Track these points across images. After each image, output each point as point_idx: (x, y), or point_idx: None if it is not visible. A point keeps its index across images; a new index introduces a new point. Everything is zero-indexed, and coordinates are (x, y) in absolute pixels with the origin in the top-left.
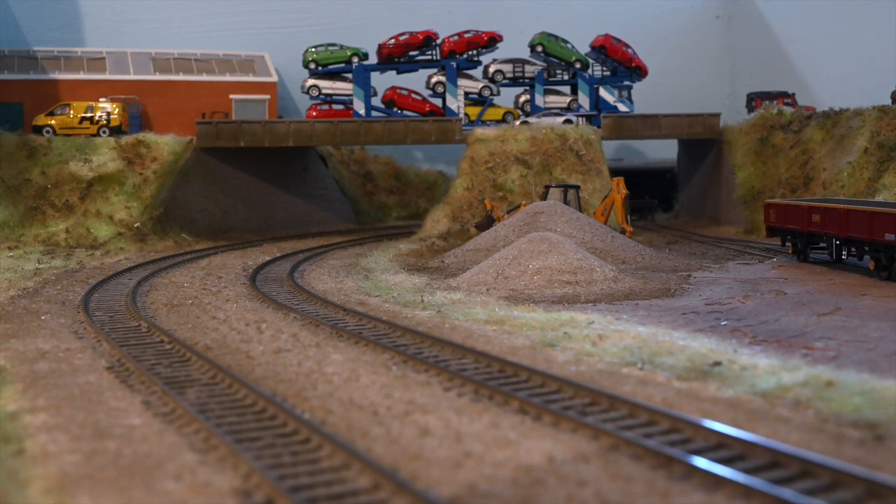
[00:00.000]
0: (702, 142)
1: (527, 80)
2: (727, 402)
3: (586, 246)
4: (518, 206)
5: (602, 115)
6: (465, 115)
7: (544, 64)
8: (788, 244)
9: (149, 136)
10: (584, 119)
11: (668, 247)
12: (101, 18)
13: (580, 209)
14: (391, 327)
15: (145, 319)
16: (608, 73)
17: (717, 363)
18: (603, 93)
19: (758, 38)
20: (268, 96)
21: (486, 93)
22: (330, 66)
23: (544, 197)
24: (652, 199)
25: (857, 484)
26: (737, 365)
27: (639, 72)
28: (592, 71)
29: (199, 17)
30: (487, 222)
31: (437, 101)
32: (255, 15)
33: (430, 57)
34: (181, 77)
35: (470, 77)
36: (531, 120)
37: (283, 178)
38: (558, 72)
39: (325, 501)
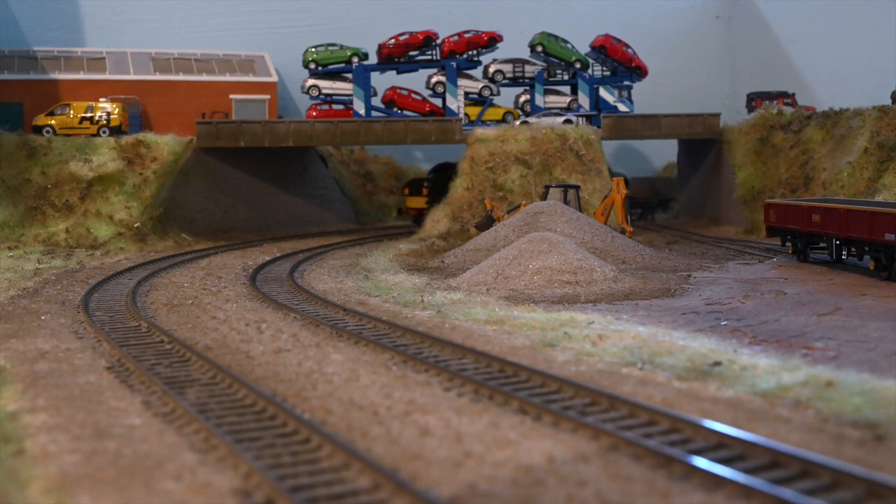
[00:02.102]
0: (702, 142)
1: (527, 80)
2: (727, 402)
3: (586, 246)
4: (518, 206)
5: (602, 115)
6: (465, 115)
7: (544, 64)
8: (788, 244)
9: (149, 136)
10: (584, 119)
11: (668, 247)
12: (101, 18)
13: (580, 209)
14: (391, 327)
15: (145, 319)
16: (608, 73)
17: (717, 363)
18: (603, 93)
19: (758, 38)
20: (268, 96)
21: (486, 93)
22: (330, 66)
23: (544, 197)
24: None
25: (857, 484)
26: (737, 365)
27: (639, 72)
28: (592, 71)
29: (199, 17)
30: (487, 222)
31: (437, 101)
32: (255, 15)
33: (430, 57)
34: (181, 77)
35: (470, 77)
36: (531, 120)
37: (283, 178)
38: (558, 72)
39: (325, 501)
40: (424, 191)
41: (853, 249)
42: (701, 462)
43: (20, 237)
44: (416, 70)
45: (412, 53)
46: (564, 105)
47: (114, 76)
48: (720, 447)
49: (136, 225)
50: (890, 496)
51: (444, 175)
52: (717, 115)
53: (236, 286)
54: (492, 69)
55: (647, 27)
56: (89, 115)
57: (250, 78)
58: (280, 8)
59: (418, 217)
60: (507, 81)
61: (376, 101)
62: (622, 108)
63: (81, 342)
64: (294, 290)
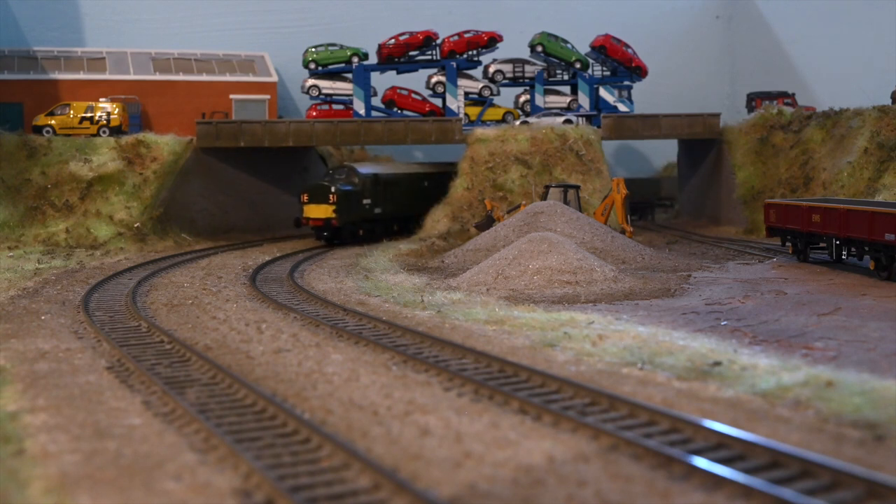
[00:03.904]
0: (702, 142)
1: (527, 80)
2: (727, 402)
3: (586, 246)
4: (518, 206)
5: (602, 115)
6: (465, 115)
7: (544, 64)
8: (788, 244)
9: (149, 136)
10: (584, 119)
11: (668, 247)
12: (101, 18)
13: (580, 209)
14: (391, 327)
15: (145, 319)
16: (608, 73)
17: (717, 363)
18: (603, 93)
19: (758, 38)
20: (268, 96)
21: (486, 93)
22: (330, 66)
23: (544, 197)
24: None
25: (857, 484)
26: (737, 365)
27: (639, 72)
28: (592, 71)
29: (199, 17)
30: (487, 222)
31: (437, 101)
32: (255, 15)
33: (430, 57)
34: (181, 77)
35: (470, 77)
36: (531, 120)
37: (283, 178)
38: (558, 72)
39: (325, 501)
40: (332, 197)
41: (853, 249)
42: (701, 462)
43: (20, 237)
44: (416, 70)
45: (412, 53)
46: (564, 105)
47: (114, 76)
48: (720, 447)
49: (136, 225)
50: (890, 496)
51: (350, 184)
52: (717, 115)
53: (236, 286)
54: (492, 69)
55: (647, 27)
56: (89, 115)
57: (250, 78)
58: (280, 8)
59: (322, 230)
60: (507, 81)
61: (376, 101)
62: (622, 108)
63: (81, 342)
64: (294, 290)
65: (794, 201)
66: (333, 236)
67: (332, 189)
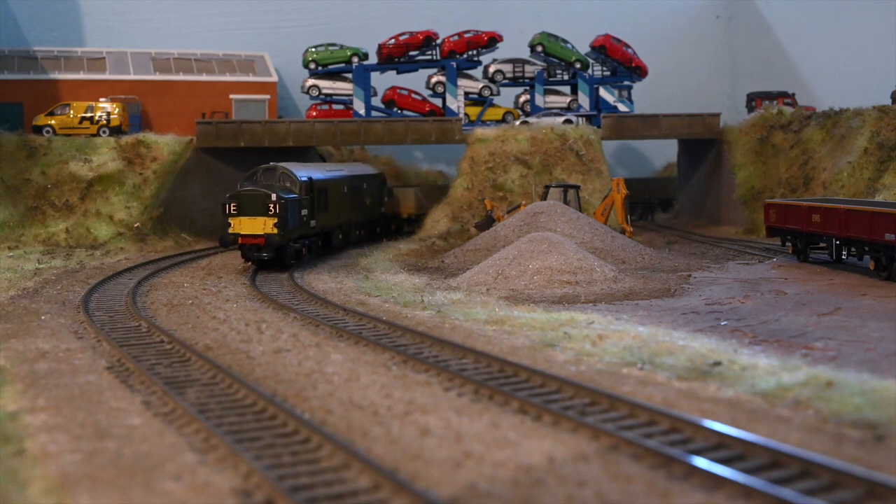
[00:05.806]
0: (702, 142)
1: (527, 80)
2: (727, 402)
3: (586, 246)
4: (518, 206)
5: (602, 115)
6: (465, 115)
7: (544, 64)
8: (788, 244)
9: (149, 136)
10: (584, 119)
11: (668, 247)
12: (101, 18)
13: (580, 209)
14: (391, 327)
15: (145, 319)
16: (608, 73)
17: (717, 363)
18: (603, 93)
19: (758, 38)
20: (268, 96)
21: (486, 93)
22: (330, 66)
23: (544, 197)
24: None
25: (857, 484)
26: (737, 365)
27: (639, 72)
28: (592, 71)
29: (199, 17)
30: (487, 222)
31: (437, 101)
32: (255, 15)
33: (430, 57)
34: (181, 77)
35: (470, 77)
36: (531, 120)
37: None
38: (558, 72)
39: (325, 501)
40: (273, 208)
41: (853, 249)
42: (701, 462)
43: (20, 237)
44: (416, 70)
45: (412, 53)
46: (564, 105)
47: (114, 76)
48: (720, 447)
49: (136, 225)
50: (890, 496)
51: (290, 191)
52: (717, 115)
53: (236, 286)
54: (492, 69)
55: (647, 27)
56: (89, 115)
57: (250, 78)
58: (280, 8)
59: (259, 251)
60: (507, 81)
61: (376, 101)
62: (622, 108)
63: (81, 342)
64: (294, 290)
65: (794, 201)
66: (275, 257)
67: (273, 197)
